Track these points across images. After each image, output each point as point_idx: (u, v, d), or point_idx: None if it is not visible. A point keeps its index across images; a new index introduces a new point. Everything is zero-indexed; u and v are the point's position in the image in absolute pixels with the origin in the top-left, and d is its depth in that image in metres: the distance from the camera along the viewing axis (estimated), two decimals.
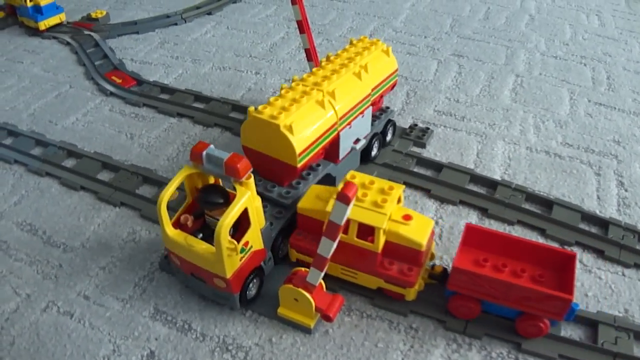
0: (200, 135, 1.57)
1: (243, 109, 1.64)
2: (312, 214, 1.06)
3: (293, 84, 1.21)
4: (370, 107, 1.32)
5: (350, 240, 1.01)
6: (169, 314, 1.08)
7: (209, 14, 2.31)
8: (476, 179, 1.40)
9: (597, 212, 1.32)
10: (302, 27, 1.45)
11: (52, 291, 1.13)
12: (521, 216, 1.30)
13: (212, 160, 0.94)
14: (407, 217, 1.02)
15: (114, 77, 1.83)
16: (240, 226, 0.96)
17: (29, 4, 2.20)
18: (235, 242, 0.93)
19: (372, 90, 1.31)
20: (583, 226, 1.27)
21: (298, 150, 1.10)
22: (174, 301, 1.10)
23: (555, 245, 1.23)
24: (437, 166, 1.44)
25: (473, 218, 1.30)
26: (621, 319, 1.06)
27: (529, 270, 1.02)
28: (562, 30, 2.20)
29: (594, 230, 1.27)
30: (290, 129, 1.09)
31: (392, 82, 1.42)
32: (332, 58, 1.32)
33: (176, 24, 2.22)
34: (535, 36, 2.14)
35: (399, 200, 1.06)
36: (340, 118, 1.20)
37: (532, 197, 1.35)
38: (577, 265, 1.16)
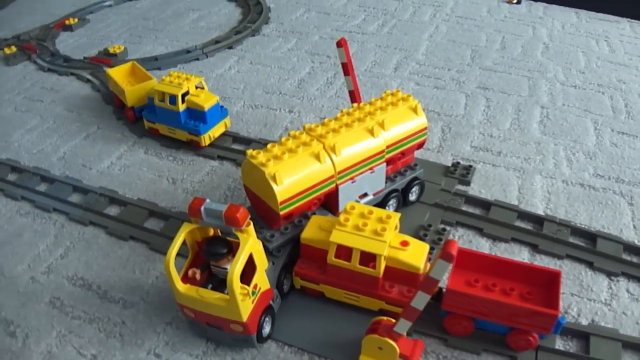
0: None
1: None
2: (315, 243, 1.13)
3: (298, 133, 1.24)
4: (384, 165, 1.32)
5: (353, 267, 1.08)
6: None
7: (230, 47, 2.30)
8: (522, 215, 1.42)
9: (636, 241, 1.35)
10: (347, 69, 1.45)
11: (119, 350, 1.11)
12: (569, 250, 1.32)
13: (211, 214, 0.98)
14: (405, 243, 1.10)
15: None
16: (245, 271, 1.00)
17: (181, 108, 1.63)
18: (247, 287, 0.98)
19: (388, 147, 1.31)
20: (626, 256, 1.31)
21: (280, 198, 1.14)
22: (251, 355, 1.09)
23: (602, 276, 1.27)
24: (485, 204, 1.45)
25: (525, 255, 1.32)
26: None
27: (517, 288, 1.08)
28: (576, 58, 2.25)
29: (636, 260, 1.30)
30: (274, 177, 1.13)
31: (419, 140, 1.39)
32: (352, 111, 1.33)
33: (198, 59, 2.21)
34: (552, 65, 2.18)
35: (395, 227, 1.12)
36: (340, 172, 1.23)
37: (576, 231, 1.38)
38: (626, 294, 1.22)
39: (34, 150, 1.72)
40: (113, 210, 1.46)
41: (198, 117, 1.63)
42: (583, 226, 1.39)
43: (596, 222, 1.41)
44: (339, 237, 1.07)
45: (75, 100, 1.98)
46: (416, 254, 1.09)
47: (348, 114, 1.32)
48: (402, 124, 1.33)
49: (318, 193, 1.22)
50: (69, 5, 2.84)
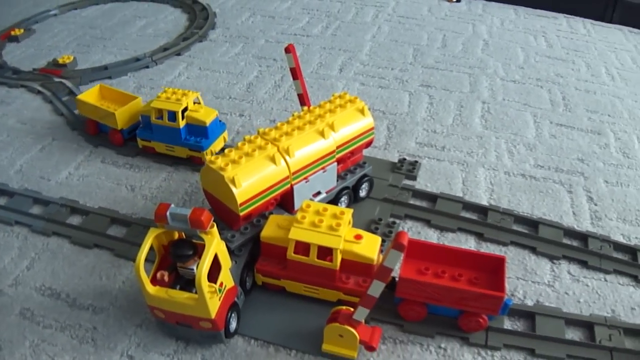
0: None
1: None
2: (274, 241, 1.19)
3: (253, 137, 1.30)
4: (335, 164, 1.39)
5: (311, 262, 1.15)
6: None
7: (178, 54, 2.32)
8: (467, 206, 1.51)
9: (575, 227, 1.45)
10: (296, 74, 1.51)
11: (93, 355, 1.14)
12: (513, 237, 1.42)
13: (176, 218, 1.03)
14: (358, 237, 1.17)
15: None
16: (210, 270, 1.05)
17: (181, 124, 1.61)
18: (214, 285, 1.04)
19: (338, 147, 1.38)
20: (566, 241, 1.41)
21: (240, 200, 1.20)
22: (220, 350, 1.14)
23: (545, 260, 1.37)
24: (431, 197, 1.54)
25: (471, 243, 1.41)
26: (611, 319, 1.21)
27: (465, 274, 1.17)
28: (515, 53, 2.36)
29: (575, 243, 1.40)
30: (233, 180, 1.19)
31: (366, 140, 1.46)
32: (302, 114, 1.39)
33: (148, 67, 2.23)
34: (492, 61, 2.28)
35: (349, 222, 1.20)
36: (294, 173, 1.30)
37: (519, 219, 1.47)
38: (567, 276, 1.32)
39: None
40: (75, 220, 1.48)
41: (199, 132, 1.62)
42: (525, 214, 1.49)
43: (538, 210, 1.51)
44: (297, 234, 1.14)
45: (27, 112, 1.97)
46: (369, 246, 1.17)
47: (299, 117, 1.38)
48: (350, 125, 1.41)
49: (275, 193, 1.28)
50: (13, 15, 2.80)
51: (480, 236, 1.43)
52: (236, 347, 1.16)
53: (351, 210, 1.20)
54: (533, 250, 1.39)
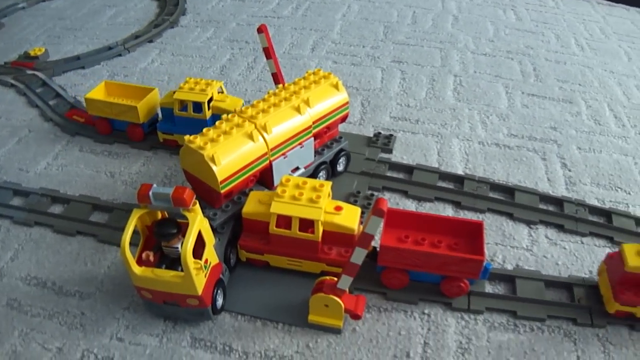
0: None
1: None
2: (256, 216, 1.21)
3: (230, 116, 1.31)
4: (312, 139, 1.41)
5: (294, 235, 1.17)
6: (207, 340, 1.14)
7: (150, 41, 2.32)
8: (444, 176, 1.54)
9: (550, 192, 1.50)
10: (269, 53, 1.52)
11: (83, 339, 1.16)
12: (490, 204, 1.45)
13: (159, 198, 1.04)
14: (338, 208, 1.20)
15: (75, 117, 1.80)
16: (195, 248, 1.07)
17: (208, 115, 1.58)
18: (199, 262, 1.06)
19: (315, 122, 1.40)
20: (542, 206, 1.44)
21: (220, 177, 1.21)
22: (208, 327, 1.16)
23: (522, 225, 1.40)
24: (408, 169, 1.57)
25: (449, 211, 1.44)
26: (589, 279, 1.25)
27: (445, 240, 1.20)
28: (485, 27, 2.39)
29: (551, 208, 1.44)
30: (213, 159, 1.20)
31: (341, 115, 1.47)
32: (278, 92, 1.41)
33: (120, 55, 2.22)
34: (462, 36, 2.32)
35: (328, 194, 1.22)
36: (272, 149, 1.31)
37: (495, 187, 1.51)
38: (545, 240, 1.35)
39: None
40: (57, 209, 1.48)
41: None
42: (501, 182, 1.53)
43: (513, 177, 1.55)
44: (278, 207, 1.16)
45: (1, 105, 1.95)
46: (350, 217, 1.19)
47: (275, 94, 1.39)
48: (325, 100, 1.42)
49: (254, 170, 1.29)
50: None
51: (457, 205, 1.46)
52: (224, 323, 1.18)
53: (330, 183, 1.23)
54: (510, 216, 1.43)
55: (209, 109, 1.57)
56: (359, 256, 1.02)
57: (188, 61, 2.17)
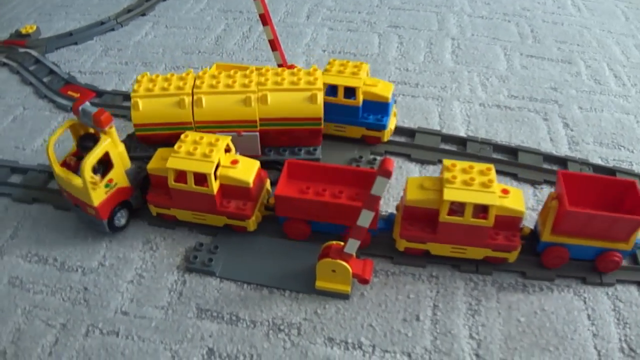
0: None
1: None
2: (159, 172, 1.24)
3: (184, 74, 1.37)
4: (257, 134, 1.35)
5: (189, 188, 1.19)
6: (213, 310, 1.13)
7: (143, 15, 2.28)
8: (446, 138, 1.53)
9: (554, 152, 1.48)
10: (265, 19, 1.49)
11: (87, 315, 1.15)
12: (494, 165, 1.41)
13: (85, 114, 1.16)
14: (235, 162, 1.21)
15: (70, 92, 1.74)
16: (110, 167, 1.21)
17: (360, 101, 1.42)
18: (96, 177, 1.17)
19: (262, 120, 1.33)
20: (546, 166, 1.43)
21: (134, 121, 1.32)
22: (214, 297, 1.16)
23: (527, 185, 1.40)
24: (410, 132, 1.55)
25: None
26: None
27: (346, 191, 1.20)
28: None
29: (555, 168, 1.43)
30: (136, 105, 1.31)
31: (310, 128, 1.35)
32: (249, 73, 1.37)
33: (113, 29, 2.18)
34: None
35: (229, 150, 1.24)
36: (198, 122, 1.33)
37: (498, 148, 1.50)
38: None
39: None
40: (55, 185, 1.45)
41: (378, 109, 1.44)
42: (504, 142, 1.51)
43: (515, 138, 1.53)
44: (174, 163, 1.18)
45: None
46: (245, 170, 1.21)
47: (258, 73, 1.37)
48: (288, 108, 1.33)
49: (172, 132, 1.33)
50: None
51: None
52: (229, 292, 1.17)
53: (228, 138, 1.24)
54: (514, 176, 1.42)
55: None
56: (366, 219, 1.00)
57: (182, 33, 2.13)
